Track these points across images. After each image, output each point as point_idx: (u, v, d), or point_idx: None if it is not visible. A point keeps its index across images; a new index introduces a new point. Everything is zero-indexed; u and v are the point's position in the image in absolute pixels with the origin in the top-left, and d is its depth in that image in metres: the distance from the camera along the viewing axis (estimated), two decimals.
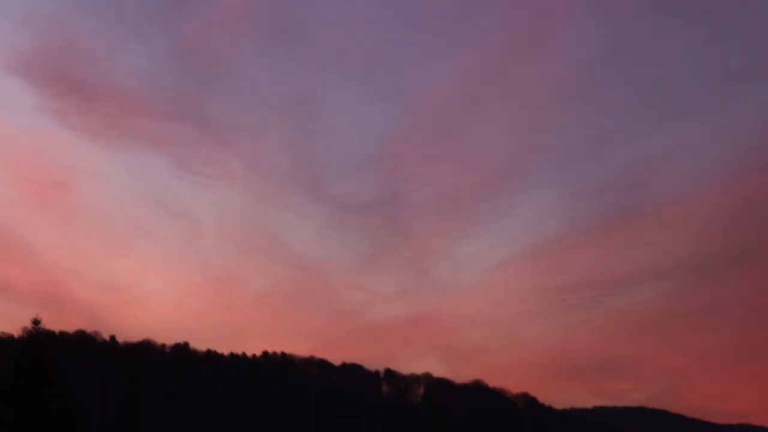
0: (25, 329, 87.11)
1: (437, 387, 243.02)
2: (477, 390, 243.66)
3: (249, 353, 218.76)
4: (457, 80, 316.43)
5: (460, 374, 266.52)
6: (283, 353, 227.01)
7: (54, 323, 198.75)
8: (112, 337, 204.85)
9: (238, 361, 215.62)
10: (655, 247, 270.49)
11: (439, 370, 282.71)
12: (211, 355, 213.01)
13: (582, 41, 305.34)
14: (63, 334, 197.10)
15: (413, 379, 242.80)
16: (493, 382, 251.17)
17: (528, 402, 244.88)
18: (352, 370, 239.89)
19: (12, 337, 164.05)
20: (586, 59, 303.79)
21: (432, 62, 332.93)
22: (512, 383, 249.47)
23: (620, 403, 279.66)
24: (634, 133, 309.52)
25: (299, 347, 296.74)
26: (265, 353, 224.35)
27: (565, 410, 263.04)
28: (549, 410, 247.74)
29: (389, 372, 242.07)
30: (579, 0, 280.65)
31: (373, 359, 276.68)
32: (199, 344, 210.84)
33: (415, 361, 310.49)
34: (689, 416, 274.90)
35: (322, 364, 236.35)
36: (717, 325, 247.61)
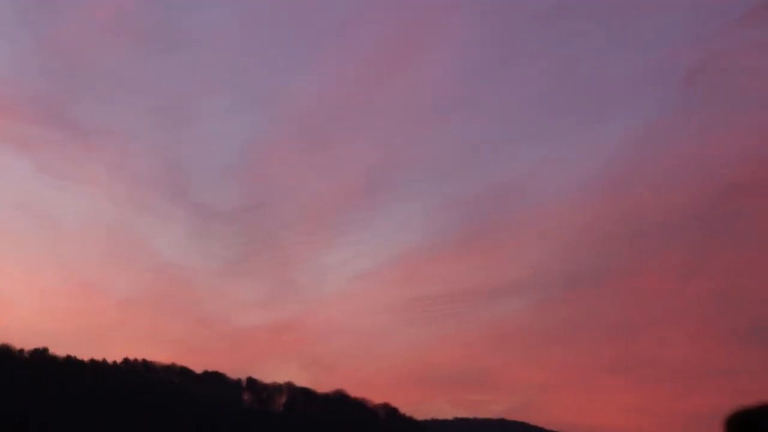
0: None
1: (299, 396, 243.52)
2: (339, 400, 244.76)
3: (110, 360, 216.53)
4: (327, 90, 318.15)
5: (323, 384, 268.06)
6: (144, 360, 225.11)
7: None
8: None
9: (98, 367, 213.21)
10: (519, 262, 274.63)
11: (301, 380, 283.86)
12: (70, 361, 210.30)
13: (453, 55, 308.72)
14: None
15: (275, 389, 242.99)
16: (355, 392, 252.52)
17: (389, 412, 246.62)
18: (213, 378, 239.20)
19: None
20: (457, 73, 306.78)
21: (302, 72, 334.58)
22: (374, 393, 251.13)
23: (481, 415, 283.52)
24: (502, 147, 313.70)
25: (161, 354, 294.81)
26: (126, 360, 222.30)
27: (426, 421, 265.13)
28: (410, 421, 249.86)
29: (251, 381, 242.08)
30: (453, 14, 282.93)
31: (236, 368, 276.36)
32: (59, 350, 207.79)
33: (278, 370, 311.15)
34: (548, 429, 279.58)
35: (184, 372, 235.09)
36: (578, 340, 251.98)
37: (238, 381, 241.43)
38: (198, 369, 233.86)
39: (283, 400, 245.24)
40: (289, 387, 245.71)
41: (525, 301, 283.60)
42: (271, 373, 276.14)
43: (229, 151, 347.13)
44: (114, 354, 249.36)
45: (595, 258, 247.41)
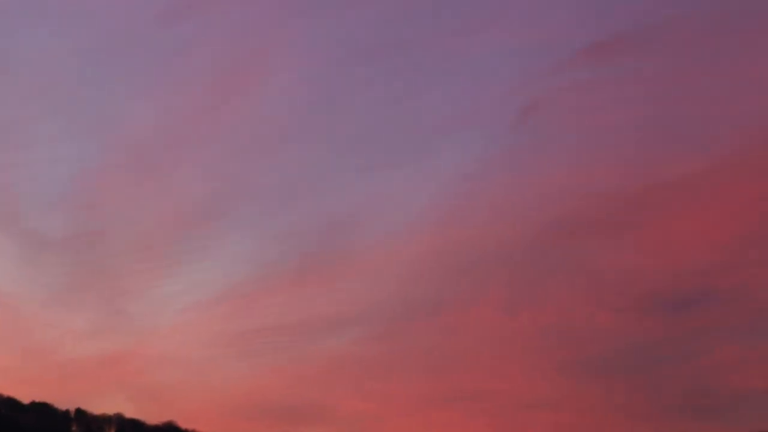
0: None
1: (129, 427, 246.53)
2: (169, 431, 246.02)
3: None
4: (162, 118, 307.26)
5: (153, 415, 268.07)
6: None
7: None
8: None
9: None
10: (353, 294, 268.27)
11: (131, 411, 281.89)
12: None
13: (289, 87, 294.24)
14: None
15: (104, 420, 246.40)
16: (186, 423, 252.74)
17: None
18: (41, 408, 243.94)
19: None
20: (292, 105, 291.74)
21: (137, 99, 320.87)
22: (206, 425, 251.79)
23: None
24: (337, 180, 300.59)
25: None
26: None
27: None
28: None
29: (80, 411, 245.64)
30: (289, 46, 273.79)
31: (65, 398, 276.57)
32: None
33: (108, 401, 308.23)
34: None
35: (10, 402, 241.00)
36: (411, 372, 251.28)
37: (67, 412, 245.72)
38: (25, 399, 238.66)
39: (112, 430, 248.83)
40: (119, 418, 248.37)
41: (358, 333, 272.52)
42: (101, 404, 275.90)
43: (61, 178, 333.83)
44: None
45: (428, 291, 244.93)
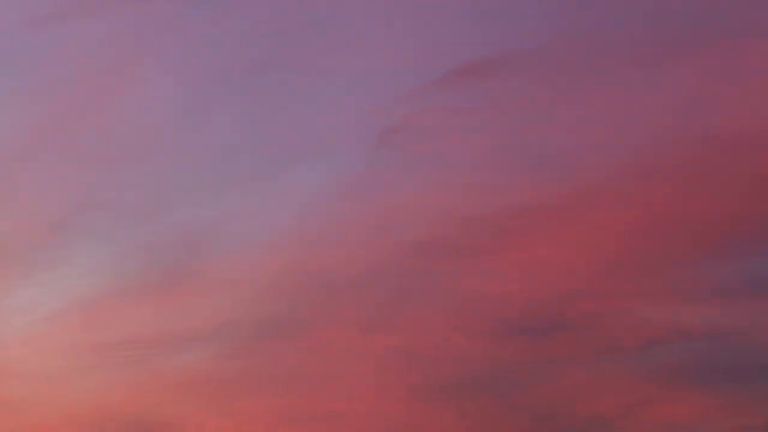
0: None
1: None
2: None
3: None
4: (14, 131, 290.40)
5: (4, 430, 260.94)
6: None
7: None
8: None
9: None
10: (207, 310, 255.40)
11: None
12: None
13: (154, 100, 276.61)
14: None
15: None
16: None
17: None
18: None
19: None
20: (156, 118, 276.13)
21: None
22: None
23: None
24: (198, 194, 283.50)
25: None
26: None
27: None
28: None
29: None
30: (155, 59, 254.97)
31: None
32: None
33: None
34: None
35: None
36: (263, 391, 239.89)
37: None
38: None
39: None
40: None
41: (211, 350, 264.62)
42: None
43: None
44: None
45: (283, 310, 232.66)
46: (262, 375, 27.63)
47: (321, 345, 25.73)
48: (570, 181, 23.93)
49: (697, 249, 22.79)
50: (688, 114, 23.06)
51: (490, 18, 26.96)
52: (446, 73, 25.91)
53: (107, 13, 29.25)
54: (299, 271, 27.66)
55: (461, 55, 26.34)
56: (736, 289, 21.25)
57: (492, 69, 25.87)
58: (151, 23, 28.81)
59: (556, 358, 22.06)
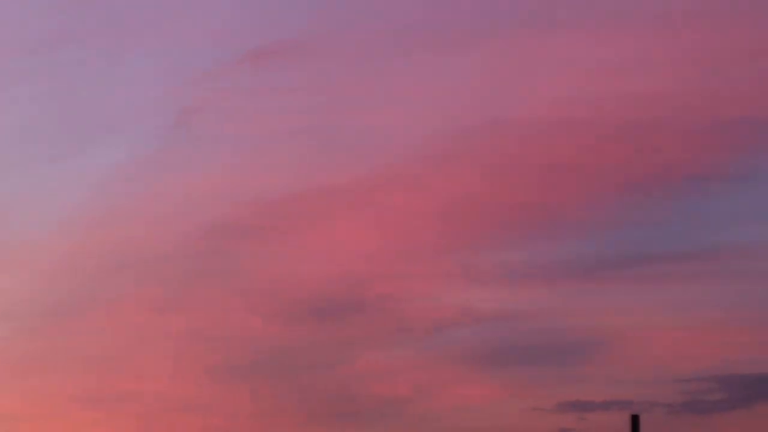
0: None
1: None
2: None
3: None
4: None
5: None
6: None
7: None
8: None
9: None
10: (1, 289, 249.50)
11: None
12: None
13: None
14: None
15: None
16: None
17: None
18: None
19: None
20: None
21: None
22: None
23: None
24: None
25: None
26: None
27: None
28: None
29: None
30: None
31: None
32: None
33: None
34: None
35: None
36: (55, 371, 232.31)
37: None
38: None
39: None
40: None
41: (7, 330, 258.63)
42: None
43: None
44: None
45: (77, 289, 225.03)
46: (56, 354, 26.85)
47: (117, 325, 25.16)
48: (366, 165, 24.06)
49: (488, 234, 23.27)
50: (484, 101, 23.48)
51: (284, 1, 26.86)
52: (245, 55, 25.71)
53: None
54: (94, 251, 26.98)
55: (260, 37, 26.14)
56: (525, 273, 21.78)
57: (291, 51, 25.76)
58: None
59: (351, 340, 22.21)
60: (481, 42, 23.16)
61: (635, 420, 10.49)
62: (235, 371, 22.67)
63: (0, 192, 26.13)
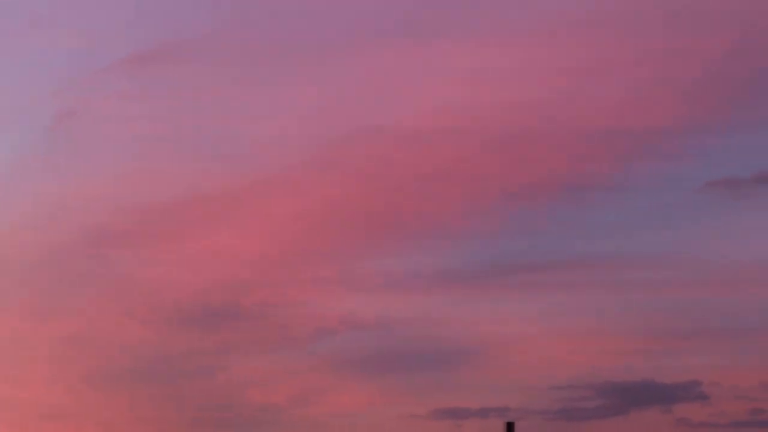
0: None
1: None
2: None
3: None
4: None
5: None
6: None
7: None
8: None
9: None
10: None
11: None
12: None
13: None
14: None
15: None
16: None
17: None
18: None
19: None
20: None
21: None
22: None
23: None
24: None
25: None
26: None
27: None
28: None
29: None
30: None
31: None
32: None
33: None
34: None
35: None
36: None
37: None
38: None
39: None
40: None
41: None
42: None
43: None
44: None
45: None
46: None
47: None
48: (245, 171, 23.91)
49: (368, 242, 23.32)
50: (366, 109, 23.52)
51: (164, 6, 26.50)
52: (126, 58, 25.41)
53: None
54: None
55: (142, 41, 25.82)
56: (404, 282, 21.86)
57: (173, 56, 25.48)
58: None
59: (230, 347, 22.08)
60: (363, 51, 23.21)
61: (510, 427, 10.58)
62: (112, 378, 22.30)
63: None
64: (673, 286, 20.75)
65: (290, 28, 23.93)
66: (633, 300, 21.03)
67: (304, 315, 21.19)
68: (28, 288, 23.81)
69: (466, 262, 21.89)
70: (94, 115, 25.11)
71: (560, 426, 18.40)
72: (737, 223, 21.67)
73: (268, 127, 23.09)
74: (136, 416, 21.23)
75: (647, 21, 22.32)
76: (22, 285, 23.71)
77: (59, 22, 24.93)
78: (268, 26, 24.10)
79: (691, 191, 21.76)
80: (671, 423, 18.71)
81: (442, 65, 22.81)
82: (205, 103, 23.78)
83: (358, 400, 20.34)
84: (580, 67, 22.67)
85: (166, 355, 22.12)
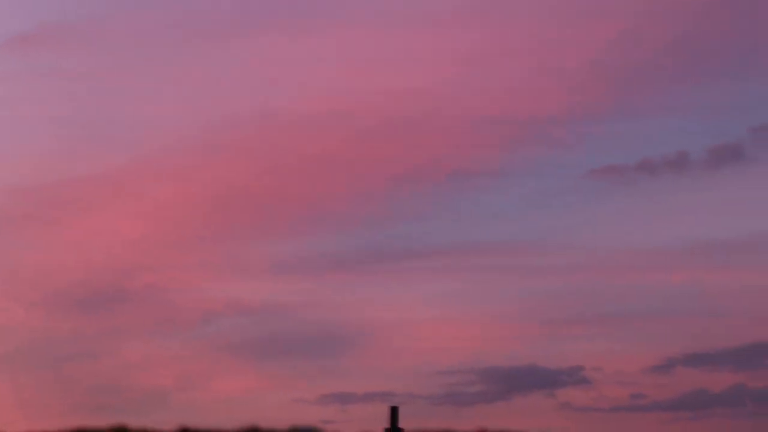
0: None
1: None
2: None
3: None
4: None
5: None
6: None
7: None
8: None
9: None
10: None
11: None
12: None
13: None
14: None
15: None
16: None
17: None
18: None
19: None
20: None
21: None
22: None
23: None
24: None
25: None
26: None
27: None
28: None
29: None
30: None
31: None
32: None
33: None
34: None
35: None
36: None
37: None
38: None
39: None
40: None
41: None
42: None
43: None
44: None
45: None
46: None
47: None
48: (130, 154, 23.69)
49: (256, 225, 23.25)
50: (254, 92, 23.43)
51: None
52: (8, 40, 25.00)
53: None
54: None
55: (25, 21, 25.47)
56: (291, 266, 21.84)
57: (56, 37, 25.12)
58: None
59: (116, 330, 21.88)
60: (250, 33, 23.10)
61: (394, 411, 10.63)
62: None
63: None
64: (556, 273, 21.03)
65: (176, 9, 23.72)
66: (517, 286, 21.25)
67: (190, 299, 21.08)
68: None
69: (353, 247, 21.95)
70: None
71: (445, 410, 18.54)
72: (620, 210, 22.03)
73: (153, 109, 22.88)
74: (19, 399, 20.90)
75: (534, 10, 22.54)
76: None
77: None
78: (153, 8, 23.86)
79: (575, 179, 22.05)
80: (554, 407, 18.96)
81: (331, 50, 22.81)
82: (90, 86, 23.48)
83: (244, 385, 20.30)
84: (467, 55, 22.83)
85: (50, 338, 21.82)
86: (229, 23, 23.29)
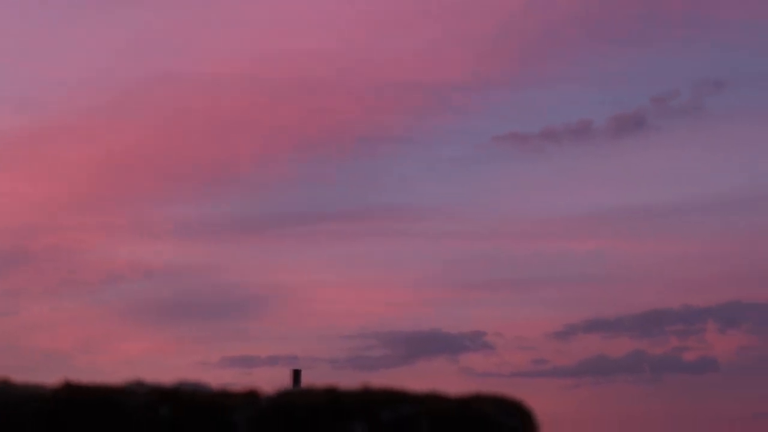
0: None
1: None
2: None
3: None
4: None
5: None
6: None
7: None
8: None
9: None
10: None
11: None
12: None
13: None
14: None
15: None
16: None
17: None
18: None
19: None
20: None
21: None
22: None
23: None
24: None
25: None
26: None
27: None
28: None
29: None
30: None
31: None
32: None
33: None
34: None
35: None
36: None
37: None
38: None
39: None
40: None
41: None
42: None
43: None
44: None
45: None
46: None
47: None
48: (33, 115, 23.42)
49: (159, 187, 23.13)
50: (156, 53, 23.21)
51: None
52: None
53: None
54: None
55: None
56: (195, 229, 21.78)
57: None
58: None
59: (16, 291, 21.68)
60: None
61: (296, 374, 10.68)
62: None
63: None
64: (460, 239, 21.23)
65: None
66: (421, 252, 21.42)
67: (92, 261, 20.89)
68: None
69: (258, 210, 21.96)
70: None
71: (348, 374, 18.66)
72: (523, 177, 22.27)
73: (58, 70, 22.60)
74: None
75: None
76: None
77: None
78: None
79: (478, 145, 22.23)
80: (456, 372, 19.14)
81: (239, 12, 22.68)
82: None
83: (146, 347, 20.22)
84: (375, 19, 22.86)
85: None
86: None
